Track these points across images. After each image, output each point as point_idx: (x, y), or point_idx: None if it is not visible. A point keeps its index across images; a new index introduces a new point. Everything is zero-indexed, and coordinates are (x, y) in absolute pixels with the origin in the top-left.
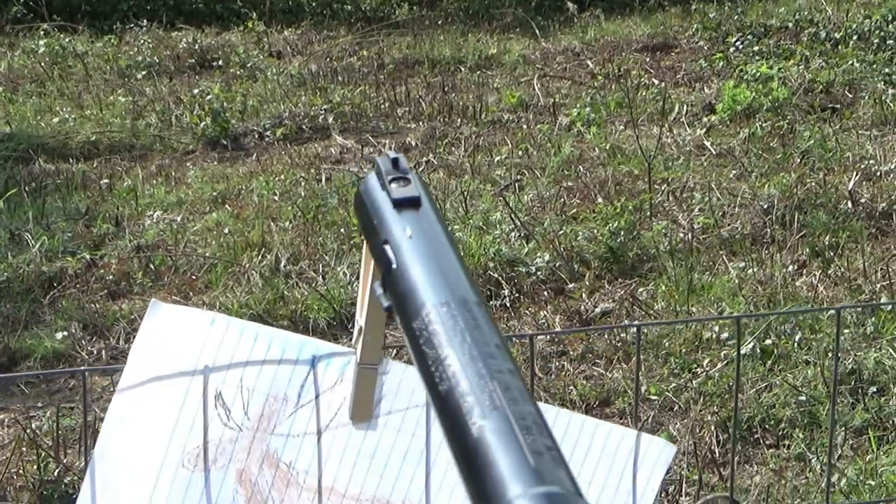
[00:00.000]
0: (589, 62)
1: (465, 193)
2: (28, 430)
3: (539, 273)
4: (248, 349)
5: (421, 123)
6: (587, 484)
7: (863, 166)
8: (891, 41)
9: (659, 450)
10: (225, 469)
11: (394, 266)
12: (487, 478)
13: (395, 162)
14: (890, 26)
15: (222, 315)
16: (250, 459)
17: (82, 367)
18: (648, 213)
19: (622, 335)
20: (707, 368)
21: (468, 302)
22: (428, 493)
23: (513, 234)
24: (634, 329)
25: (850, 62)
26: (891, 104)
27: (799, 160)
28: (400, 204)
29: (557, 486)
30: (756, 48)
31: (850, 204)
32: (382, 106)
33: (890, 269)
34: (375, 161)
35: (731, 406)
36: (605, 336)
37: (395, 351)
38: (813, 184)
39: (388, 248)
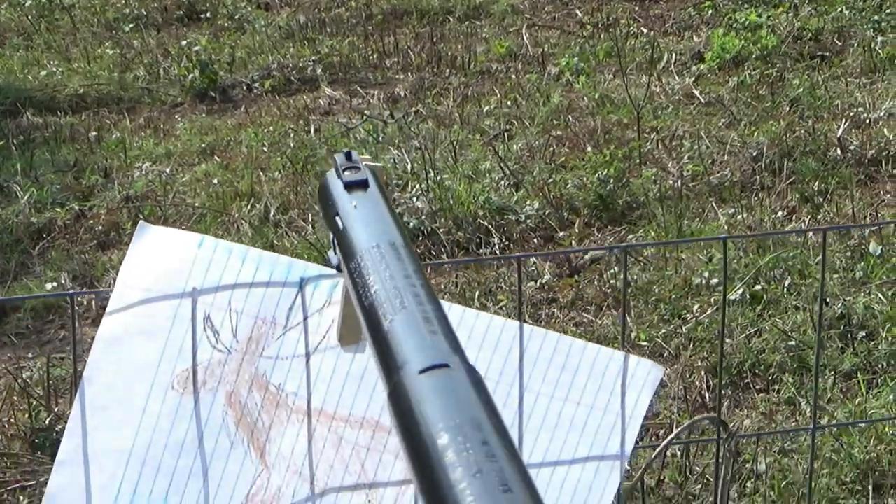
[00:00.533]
0: (578, 11)
1: (455, 143)
2: (19, 380)
3: (528, 221)
4: (236, 271)
5: (410, 74)
6: (575, 405)
7: (852, 113)
8: None
9: (646, 372)
10: (214, 391)
11: (340, 228)
12: (391, 358)
13: (348, 155)
14: None
15: (210, 237)
16: (239, 382)
17: (70, 291)
18: (637, 161)
19: (611, 282)
20: (696, 314)
21: (395, 244)
22: None
23: (502, 182)
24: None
25: (840, 9)
26: (880, 51)
27: (788, 108)
28: (349, 186)
29: (447, 360)
30: None
31: (839, 150)
32: (371, 57)
33: (879, 215)
34: (333, 157)
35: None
36: (595, 283)
37: None
38: (802, 131)
39: (337, 218)
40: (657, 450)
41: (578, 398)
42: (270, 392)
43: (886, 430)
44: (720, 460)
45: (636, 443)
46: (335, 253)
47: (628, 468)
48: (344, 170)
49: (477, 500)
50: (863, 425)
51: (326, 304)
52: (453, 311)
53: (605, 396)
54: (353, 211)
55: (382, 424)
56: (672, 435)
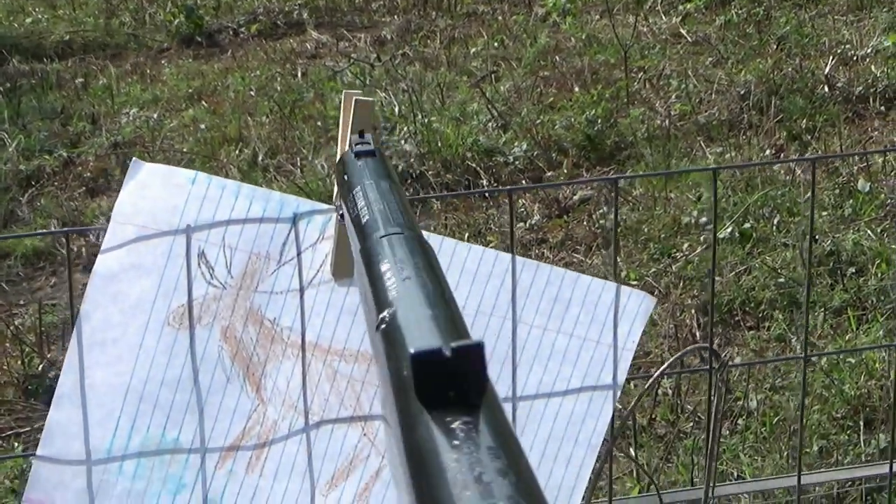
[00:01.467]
0: None
1: (442, 85)
2: (11, 327)
3: (517, 162)
4: (229, 207)
5: (396, 17)
6: (567, 337)
7: (839, 51)
8: None
9: (639, 302)
10: (210, 327)
11: (345, 179)
12: (364, 230)
13: (360, 133)
14: None
15: (203, 173)
16: (234, 317)
17: (65, 229)
18: (625, 101)
19: (601, 222)
20: (686, 253)
21: (384, 180)
22: None
23: (490, 124)
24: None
25: None
26: None
27: (775, 46)
28: (359, 154)
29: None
30: None
31: (826, 88)
32: (357, 0)
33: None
34: (350, 137)
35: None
36: (585, 223)
37: None
38: (789, 69)
39: (346, 175)
40: (649, 381)
41: (571, 330)
42: (265, 327)
43: (877, 365)
44: (712, 389)
45: (628, 376)
46: (343, 204)
47: (619, 406)
48: (356, 143)
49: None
50: (853, 361)
51: (320, 239)
52: (445, 244)
53: (597, 328)
54: (357, 169)
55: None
56: (664, 365)
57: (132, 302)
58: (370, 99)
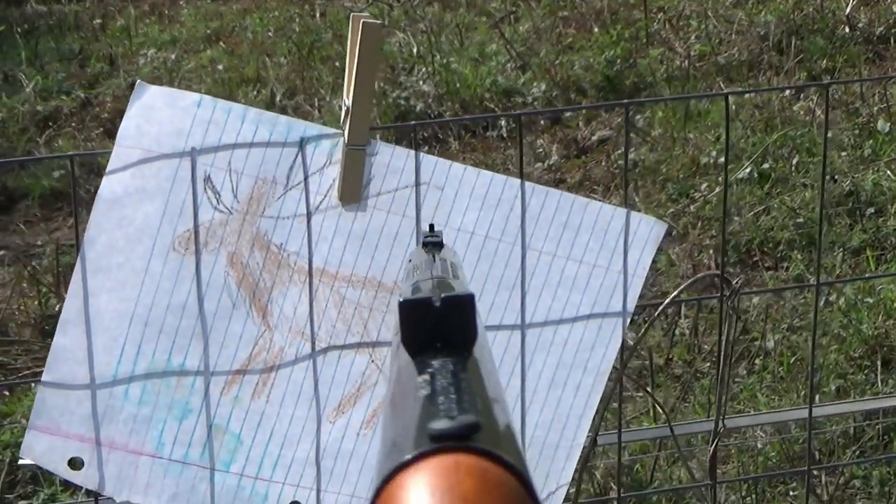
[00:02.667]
0: None
1: (460, 26)
2: (28, 268)
3: (536, 103)
4: (235, 131)
5: None
6: (577, 263)
7: None
8: None
9: (649, 227)
10: (216, 252)
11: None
12: None
13: (431, 227)
14: None
15: (209, 97)
16: (241, 242)
17: (70, 153)
18: (644, 42)
19: (619, 162)
20: (704, 193)
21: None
22: None
23: (508, 65)
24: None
25: None
26: None
27: None
28: (427, 244)
29: None
30: None
31: (847, 28)
32: None
33: (887, 92)
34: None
35: (730, 230)
36: (603, 163)
37: (383, 132)
38: (810, 9)
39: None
40: (659, 308)
41: (580, 256)
42: (272, 252)
43: (895, 305)
44: (723, 316)
45: (641, 308)
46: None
47: (630, 342)
48: (426, 236)
49: None
50: (871, 300)
51: (327, 164)
52: (454, 169)
53: (607, 254)
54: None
55: (385, 284)
56: (675, 292)
57: (137, 227)
58: (377, 22)
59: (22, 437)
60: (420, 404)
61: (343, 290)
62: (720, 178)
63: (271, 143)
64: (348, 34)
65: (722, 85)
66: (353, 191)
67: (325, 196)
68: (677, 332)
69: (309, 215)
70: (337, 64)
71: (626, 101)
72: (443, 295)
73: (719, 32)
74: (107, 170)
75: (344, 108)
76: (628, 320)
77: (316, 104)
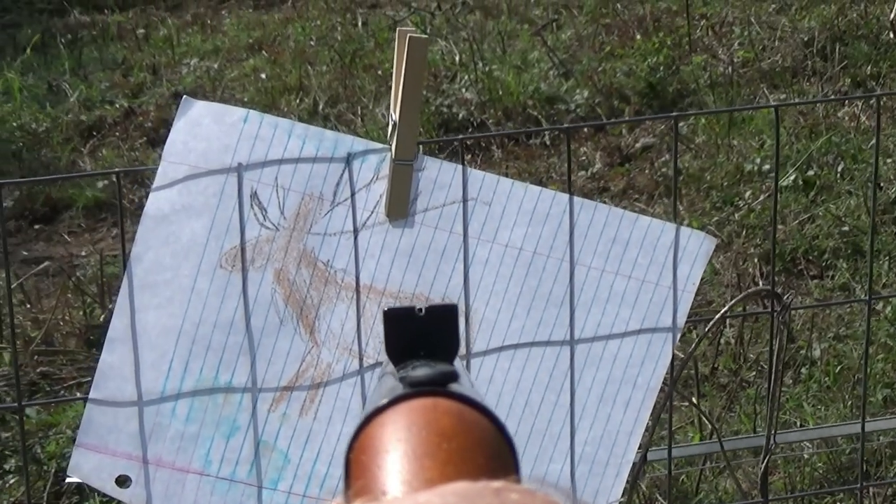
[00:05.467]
0: None
1: (502, 33)
2: (72, 278)
3: (578, 110)
4: (282, 146)
5: None
6: (626, 279)
7: None
8: None
9: (699, 242)
10: (263, 269)
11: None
12: None
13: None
14: None
15: (255, 111)
16: (288, 259)
17: (116, 169)
18: (687, 48)
19: (663, 170)
20: (749, 201)
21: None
22: (467, 290)
23: (551, 72)
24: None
25: None
26: None
27: None
28: None
29: None
30: None
31: (891, 34)
32: None
33: None
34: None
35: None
36: (646, 171)
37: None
38: (854, 15)
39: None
40: (710, 323)
41: (629, 271)
42: (319, 268)
43: None
44: (774, 332)
45: (689, 322)
46: None
47: (679, 354)
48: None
49: None
50: None
51: (374, 180)
52: (501, 184)
53: (656, 269)
54: None
55: (432, 300)
56: (726, 307)
57: (184, 243)
58: (424, 36)
59: (67, 447)
60: (398, 373)
61: (390, 305)
62: (765, 186)
63: (318, 159)
64: (394, 48)
65: (766, 91)
66: (400, 206)
67: (373, 212)
68: (722, 341)
69: (356, 231)
70: (379, 72)
71: (674, 113)
72: (427, 305)
73: (762, 39)
74: (153, 186)
75: (391, 123)
76: (678, 336)
77: (358, 112)
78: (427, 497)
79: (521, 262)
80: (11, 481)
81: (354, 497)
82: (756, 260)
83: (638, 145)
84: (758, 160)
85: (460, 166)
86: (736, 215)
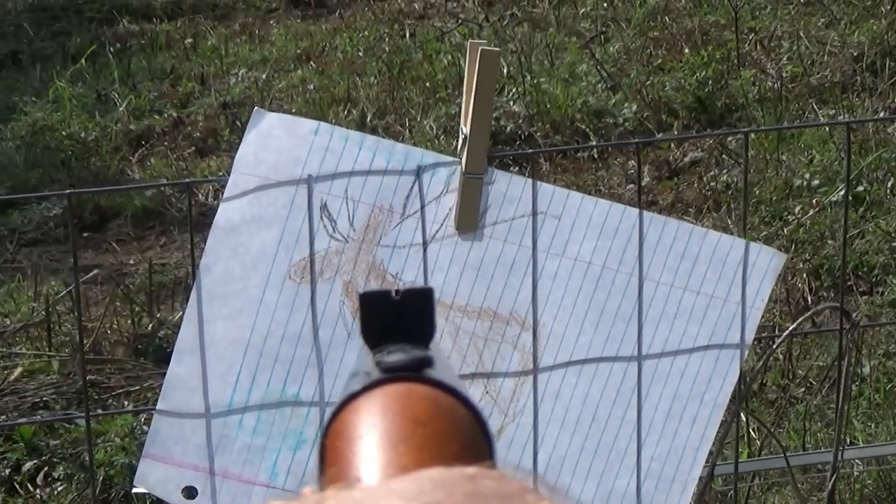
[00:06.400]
0: None
1: (551, 46)
2: (121, 287)
3: (626, 124)
4: (352, 158)
5: None
6: (694, 294)
7: None
8: None
9: (768, 259)
10: (332, 281)
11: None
12: None
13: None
14: None
15: (326, 124)
16: (356, 271)
17: (189, 180)
18: (736, 63)
19: (711, 184)
20: (798, 216)
21: None
22: (535, 304)
23: (599, 85)
24: (741, 137)
25: None
26: None
27: (889, 6)
28: None
29: None
30: None
31: None
32: None
33: None
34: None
35: (824, 253)
36: (695, 185)
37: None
38: None
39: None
40: (781, 338)
41: (698, 287)
42: (388, 281)
43: None
44: (842, 350)
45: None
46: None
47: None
48: None
49: None
50: None
51: (444, 192)
52: (571, 198)
53: (725, 285)
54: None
55: (500, 314)
56: (794, 324)
57: (253, 255)
58: (496, 49)
59: (115, 455)
60: (374, 357)
61: (458, 320)
62: (814, 201)
63: (388, 171)
64: (465, 61)
65: (815, 107)
66: (470, 219)
67: (442, 225)
68: (771, 356)
69: (425, 244)
70: (427, 84)
71: (745, 128)
72: (402, 289)
73: (811, 53)
74: (223, 197)
75: (461, 136)
76: (746, 353)
77: (406, 124)
78: (402, 484)
79: (589, 277)
80: (60, 488)
81: (328, 483)
82: (805, 275)
83: (686, 159)
84: (807, 175)
85: (530, 180)
86: (785, 230)
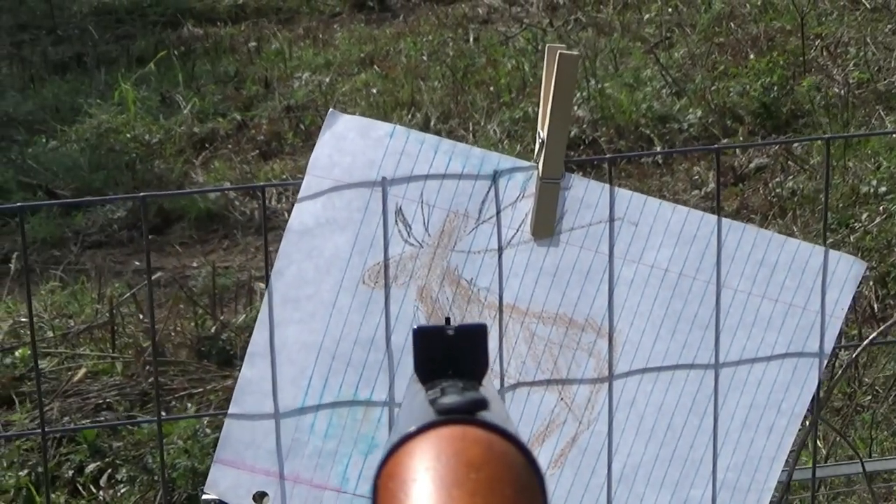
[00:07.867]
0: None
1: (615, 51)
2: (184, 289)
3: (691, 129)
4: (427, 162)
5: None
6: (773, 302)
7: None
8: None
9: (848, 267)
10: (406, 286)
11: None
12: None
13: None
14: None
15: (402, 127)
16: (431, 276)
17: (261, 183)
18: (801, 69)
19: (777, 191)
20: (864, 223)
21: None
22: (611, 310)
23: (664, 90)
24: (822, 143)
25: None
26: None
27: None
28: None
29: None
30: None
31: None
32: None
33: None
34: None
35: (891, 261)
36: (760, 191)
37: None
38: None
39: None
40: (861, 345)
41: (776, 295)
42: (462, 287)
43: None
44: None
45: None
46: None
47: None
48: None
49: None
50: None
51: (520, 198)
52: (649, 204)
53: (804, 293)
54: None
55: (576, 321)
56: (875, 333)
57: (327, 258)
58: (575, 53)
59: (178, 458)
60: (428, 395)
61: (533, 326)
62: (881, 208)
63: (464, 176)
64: (543, 66)
65: (881, 113)
66: (546, 225)
67: (518, 230)
68: (836, 364)
69: (500, 250)
70: (491, 88)
71: (827, 135)
72: (457, 325)
73: (878, 60)
74: (297, 198)
75: (538, 141)
76: (825, 362)
77: (470, 128)
78: None
79: (666, 284)
80: (122, 490)
81: None
82: (871, 283)
83: (751, 165)
84: (873, 182)
85: (607, 185)
86: (851, 238)
